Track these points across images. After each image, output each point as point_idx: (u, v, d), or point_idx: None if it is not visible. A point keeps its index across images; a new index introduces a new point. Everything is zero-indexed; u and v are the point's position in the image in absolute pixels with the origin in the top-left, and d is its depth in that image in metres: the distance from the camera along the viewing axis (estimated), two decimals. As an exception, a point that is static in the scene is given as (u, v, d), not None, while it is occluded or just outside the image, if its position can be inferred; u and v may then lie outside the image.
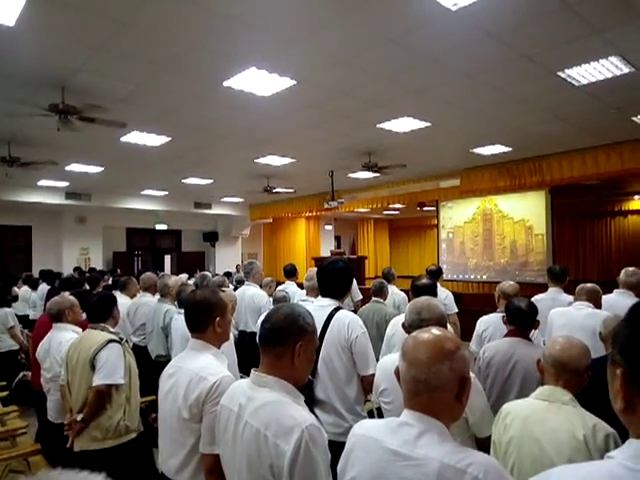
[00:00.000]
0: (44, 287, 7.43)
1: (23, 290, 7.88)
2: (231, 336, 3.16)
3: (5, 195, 10.14)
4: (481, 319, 3.68)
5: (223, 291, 3.03)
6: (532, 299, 3.07)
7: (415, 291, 2.99)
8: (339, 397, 2.44)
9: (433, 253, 13.10)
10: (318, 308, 2.53)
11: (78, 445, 2.68)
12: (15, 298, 7.10)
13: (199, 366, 1.90)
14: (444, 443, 1.15)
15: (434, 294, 3.23)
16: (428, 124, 6.14)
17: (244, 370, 2.82)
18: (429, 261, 9.30)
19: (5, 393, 4.64)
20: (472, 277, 11.02)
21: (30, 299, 7.67)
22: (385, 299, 4.69)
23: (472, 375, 2.03)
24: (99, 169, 8.74)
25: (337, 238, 18.49)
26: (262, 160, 8.17)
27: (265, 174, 9.46)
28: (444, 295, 4.70)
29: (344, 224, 18.29)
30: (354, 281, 2.84)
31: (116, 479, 2.37)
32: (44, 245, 12.57)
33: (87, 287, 6.17)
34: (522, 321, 2.72)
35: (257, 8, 3.28)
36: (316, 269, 3.11)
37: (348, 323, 2.46)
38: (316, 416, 2.37)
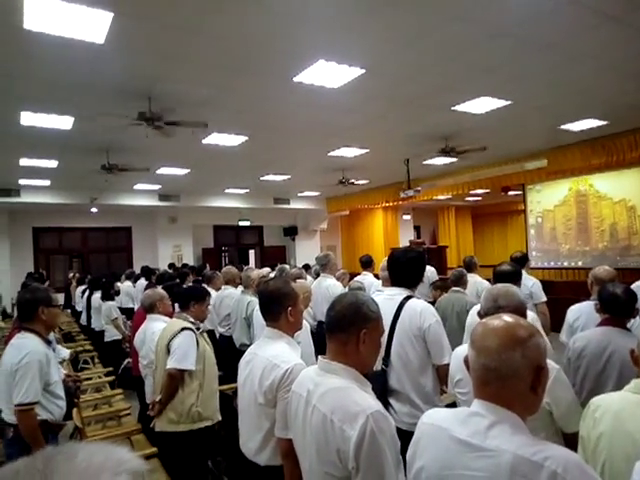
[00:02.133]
0: (142, 282, 8.10)
1: (125, 285, 8.66)
2: (307, 326, 3.24)
3: (107, 199, 11.18)
4: (572, 307, 3.42)
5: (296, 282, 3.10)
6: (632, 285, 2.79)
7: (496, 278, 2.85)
8: (414, 387, 2.39)
9: (521, 240, 12.34)
10: (388, 297, 2.51)
11: (158, 425, 2.88)
12: (118, 292, 7.81)
13: (273, 354, 1.97)
14: (517, 435, 1.09)
15: (517, 281, 3.06)
16: (508, 102, 5.78)
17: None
18: (516, 249, 8.78)
19: (112, 378, 5.13)
20: (565, 264, 10.23)
21: (131, 293, 8.40)
22: (465, 288, 4.52)
23: (557, 366, 1.90)
24: (186, 171, 9.33)
25: (416, 228, 18.06)
26: (335, 153, 8.21)
27: (339, 167, 9.49)
28: (530, 283, 4.42)
29: (423, 213, 17.81)
30: (432, 269, 2.78)
31: (190, 462, 2.53)
32: (142, 244, 13.73)
33: (178, 281, 6.61)
34: (618, 309, 2.48)
35: (319, 1, 3.29)
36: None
37: (420, 311, 2.41)
38: (390, 405, 2.39)
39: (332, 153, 8.22)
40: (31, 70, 4.24)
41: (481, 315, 2.09)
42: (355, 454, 1.31)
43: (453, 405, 2.64)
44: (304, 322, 2.43)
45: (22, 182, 9.71)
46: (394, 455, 1.36)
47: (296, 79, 4.66)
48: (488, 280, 5.11)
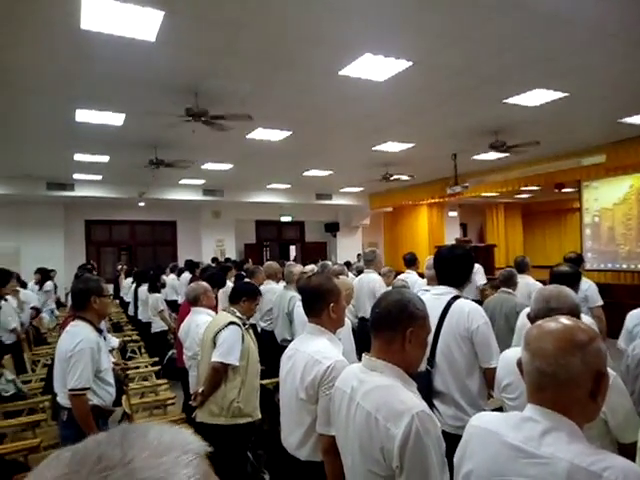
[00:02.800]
0: (187, 275, 8.31)
1: (170, 278, 8.92)
2: (348, 323, 3.20)
3: (154, 194, 11.55)
4: (631, 313, 3.22)
5: (338, 278, 3.07)
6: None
7: (554, 279, 2.70)
8: (459, 389, 2.31)
9: (575, 240, 11.79)
10: (435, 297, 2.44)
11: (199, 416, 2.93)
12: (164, 285, 8.05)
13: (315, 349, 1.96)
14: (574, 443, 1.04)
15: (576, 284, 2.90)
16: (564, 94, 5.50)
17: (363, 357, 2.83)
18: (569, 249, 8.34)
19: (157, 368, 5.29)
20: (624, 266, 9.67)
21: (176, 286, 8.65)
22: (515, 289, 4.35)
23: (614, 373, 1.78)
24: (229, 166, 9.49)
25: (463, 225, 17.62)
26: (380, 147, 8.10)
27: (383, 162, 9.37)
28: (586, 286, 4.19)
29: (470, 210, 17.34)
30: (479, 266, 2.67)
31: (227, 456, 2.54)
32: (187, 238, 14.12)
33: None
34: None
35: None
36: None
37: (468, 312, 2.32)
38: (435, 407, 2.32)
39: (376, 148, 8.12)
40: (86, 69, 4.41)
41: (531, 318, 1.98)
42: (399, 453, 1.29)
43: (499, 410, 2.54)
44: (345, 319, 2.40)
45: (76, 176, 10.20)
46: (439, 456, 1.33)
47: (341, 73, 4.62)
48: (541, 282, 4.90)
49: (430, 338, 2.19)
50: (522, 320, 3.03)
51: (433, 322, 2.25)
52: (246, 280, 4.88)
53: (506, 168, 10.13)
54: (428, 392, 2.31)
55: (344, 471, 1.60)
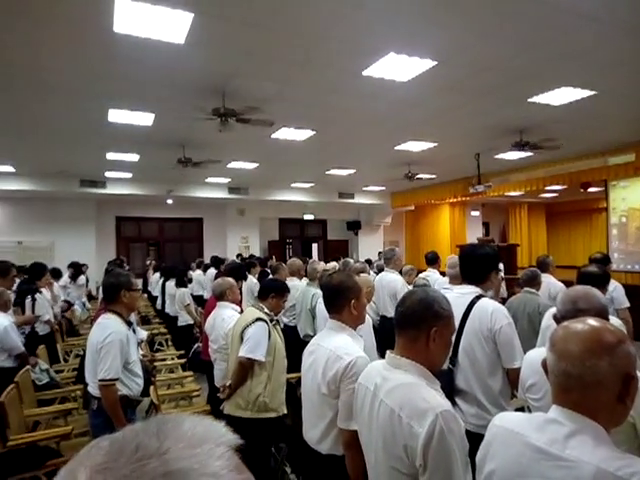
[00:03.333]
0: (212, 271, 8.47)
1: (196, 273, 9.11)
2: (369, 320, 3.24)
3: (181, 191, 11.78)
4: (659, 315, 3.16)
5: (359, 276, 3.11)
6: None
7: (581, 280, 2.68)
8: (482, 388, 2.32)
9: (601, 240, 11.50)
10: (458, 296, 2.44)
11: (226, 408, 3.01)
12: (190, 280, 8.23)
13: (336, 345, 2.00)
14: (600, 447, 1.03)
15: (604, 285, 2.88)
16: (592, 92, 5.39)
17: (385, 355, 2.86)
18: (595, 249, 8.16)
19: (183, 360, 5.43)
20: (653, 268, 9.41)
21: (201, 281, 8.82)
22: (539, 289, 4.31)
23: (640, 374, 1.77)
24: (254, 165, 9.61)
25: (485, 225, 17.39)
26: (402, 146, 8.08)
27: (406, 161, 9.34)
28: (612, 287, 4.12)
29: (493, 210, 17.10)
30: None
31: (251, 449, 2.62)
32: (212, 234, 14.35)
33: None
34: None
35: (393, -8, 3.25)
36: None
37: (491, 312, 2.33)
38: (457, 405, 2.34)
39: (399, 147, 8.10)
40: (118, 70, 4.55)
41: (557, 319, 1.98)
42: (423, 452, 1.30)
43: (521, 410, 2.54)
44: (366, 316, 2.43)
45: (108, 174, 10.50)
46: (463, 456, 1.34)
47: (365, 73, 4.64)
48: (566, 283, 4.84)
49: (453, 337, 2.22)
50: (547, 321, 3.01)
51: (456, 321, 2.27)
52: (274, 277, 4.97)
53: (530, 167, 9.96)
54: (450, 390, 2.33)
55: (366, 467, 1.63)
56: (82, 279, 8.98)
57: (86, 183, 10.81)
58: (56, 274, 7.61)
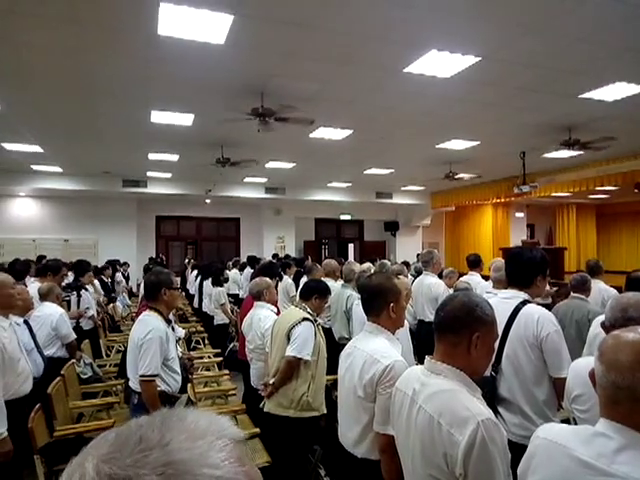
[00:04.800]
0: (249, 270, 8.56)
1: (233, 272, 9.23)
2: (406, 324, 3.17)
3: (220, 191, 11.99)
4: None
5: (398, 278, 3.04)
6: None
7: (630, 286, 2.53)
8: (526, 398, 2.22)
9: (655, 244, 10.88)
10: (503, 300, 2.35)
11: (267, 406, 3.01)
12: (226, 279, 8.34)
13: (373, 348, 1.96)
14: None
15: (656, 292, 2.69)
16: (649, 87, 5.09)
17: (422, 360, 2.80)
18: (649, 253, 7.77)
19: (220, 359, 5.49)
20: None
21: (237, 280, 8.93)
22: (588, 295, 4.10)
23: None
24: (291, 165, 9.66)
25: (530, 227, 16.80)
26: (443, 145, 7.91)
27: (447, 160, 9.14)
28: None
29: (539, 211, 16.49)
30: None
31: (294, 447, 2.61)
32: (249, 234, 14.57)
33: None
34: None
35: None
36: (504, 259, 2.87)
37: (538, 318, 2.22)
38: (499, 414, 2.24)
39: (440, 145, 7.95)
40: (161, 72, 4.66)
41: (606, 327, 1.87)
42: (463, 460, 1.27)
43: (567, 421, 2.41)
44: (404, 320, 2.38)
45: (149, 174, 10.86)
46: (505, 467, 1.30)
47: (406, 70, 4.56)
48: (616, 288, 4.59)
49: (495, 343, 2.13)
50: (595, 329, 2.85)
51: (500, 326, 2.18)
52: (310, 277, 4.96)
53: (580, 166, 9.54)
54: (492, 398, 2.24)
55: (403, 473, 1.59)
56: (118, 276, 9.28)
57: (128, 183, 11.19)
58: (98, 271, 7.87)
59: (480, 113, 6.13)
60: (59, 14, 3.51)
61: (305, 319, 2.98)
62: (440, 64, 4.41)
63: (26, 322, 3.52)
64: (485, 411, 1.33)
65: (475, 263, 5.80)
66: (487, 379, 2.27)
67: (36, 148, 7.95)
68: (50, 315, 4.01)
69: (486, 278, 5.34)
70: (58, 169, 10.05)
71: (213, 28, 3.71)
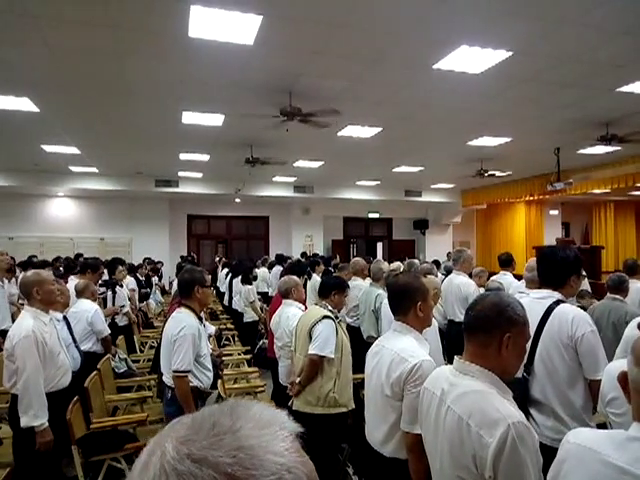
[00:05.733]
0: (277, 268, 8.63)
1: (262, 271, 9.32)
2: (436, 323, 3.14)
3: (249, 191, 12.13)
4: None
5: (426, 277, 3.02)
6: None
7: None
8: (559, 400, 2.16)
9: (700, 243, 10.38)
10: (535, 300, 2.30)
11: (296, 405, 3.03)
12: (255, 277, 8.44)
13: (401, 347, 1.96)
14: None
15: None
16: (693, 79, 4.87)
17: (452, 360, 2.76)
18: (693, 252, 7.39)
19: (249, 356, 5.57)
20: None
21: (266, 278, 9.02)
22: (625, 296, 3.95)
23: None
24: (320, 164, 9.68)
25: (565, 225, 16.32)
26: (474, 142, 7.78)
27: (478, 157, 8.97)
28: None
29: (574, 209, 15.99)
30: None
31: (322, 444, 2.61)
32: (277, 232, 14.69)
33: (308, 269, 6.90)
34: None
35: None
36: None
37: (572, 318, 2.16)
38: (531, 417, 2.20)
39: (471, 143, 7.81)
40: (192, 73, 4.75)
41: (643, 328, 1.80)
42: (493, 463, 1.25)
43: (603, 426, 2.34)
44: (432, 319, 2.35)
45: (180, 174, 11.09)
46: (536, 470, 1.27)
47: (435, 66, 4.50)
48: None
49: (528, 344, 2.08)
50: (631, 330, 2.74)
51: (532, 327, 2.13)
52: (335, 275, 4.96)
53: (618, 162, 9.20)
54: (524, 400, 2.20)
55: (431, 473, 1.58)
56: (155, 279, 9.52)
57: (161, 183, 11.46)
58: (133, 269, 8.09)
59: (512, 109, 5.99)
60: (94, 19, 3.62)
61: (325, 317, 2.99)
62: (470, 60, 4.34)
63: (65, 318, 3.66)
64: (516, 413, 1.30)
65: (507, 262, 5.68)
66: (519, 381, 2.22)
67: (73, 150, 8.24)
68: (86, 311, 4.15)
69: (518, 277, 5.22)
70: (94, 170, 10.38)
71: (242, 29, 3.75)
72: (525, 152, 8.52)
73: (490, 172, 9.61)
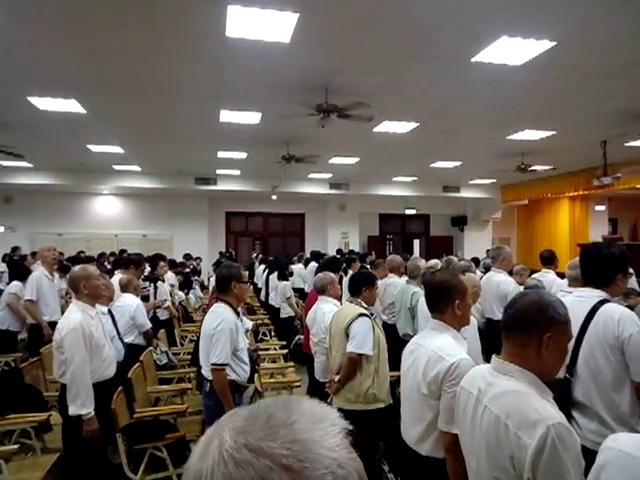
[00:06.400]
0: (313, 265, 8.67)
1: (297, 267, 9.39)
2: (475, 322, 3.08)
3: (285, 187, 12.24)
4: None
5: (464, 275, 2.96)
6: None
7: None
8: (604, 403, 2.08)
9: None
10: (578, 299, 2.22)
11: (335, 402, 3.04)
12: (291, 274, 8.51)
13: (438, 346, 1.93)
14: None
15: None
16: None
17: (490, 360, 2.70)
18: None
19: (285, 351, 5.62)
20: None
21: (302, 275, 9.08)
22: (678, 295, 3.75)
23: None
24: (355, 160, 9.65)
25: (612, 221, 15.59)
26: (515, 136, 7.56)
27: (519, 151, 8.71)
28: None
29: (622, 204, 15.25)
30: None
31: (362, 441, 2.61)
32: (313, 229, 14.77)
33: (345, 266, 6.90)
34: None
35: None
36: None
37: (618, 318, 2.07)
38: (574, 419, 2.13)
39: (511, 137, 7.59)
40: (229, 73, 4.83)
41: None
42: (532, 465, 1.22)
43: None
44: (471, 318, 2.30)
45: (218, 172, 11.31)
46: (577, 474, 1.23)
47: (474, 59, 4.40)
48: None
49: (571, 344, 2.01)
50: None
51: (575, 327, 2.06)
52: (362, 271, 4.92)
53: (671, 155, 8.72)
54: (566, 402, 2.13)
55: (467, 472, 1.57)
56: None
57: (200, 181, 11.75)
58: (173, 265, 8.33)
59: (556, 101, 5.77)
60: (137, 22, 3.75)
61: (361, 314, 2.99)
62: (511, 51, 4.21)
63: (109, 311, 3.82)
64: (557, 415, 1.27)
65: (549, 260, 5.48)
66: (561, 381, 2.15)
67: (117, 149, 8.55)
68: (129, 305, 4.31)
69: (561, 276, 5.03)
70: (137, 168, 10.74)
71: (279, 27, 3.78)
72: (569, 145, 8.20)
73: (532, 167, 9.31)
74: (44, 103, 5.78)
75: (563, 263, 5.21)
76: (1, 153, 7.49)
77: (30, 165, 10.13)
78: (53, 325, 4.02)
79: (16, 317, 5.41)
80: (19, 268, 6.29)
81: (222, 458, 0.44)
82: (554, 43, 4.06)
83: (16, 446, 2.93)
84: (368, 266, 7.14)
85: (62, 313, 4.00)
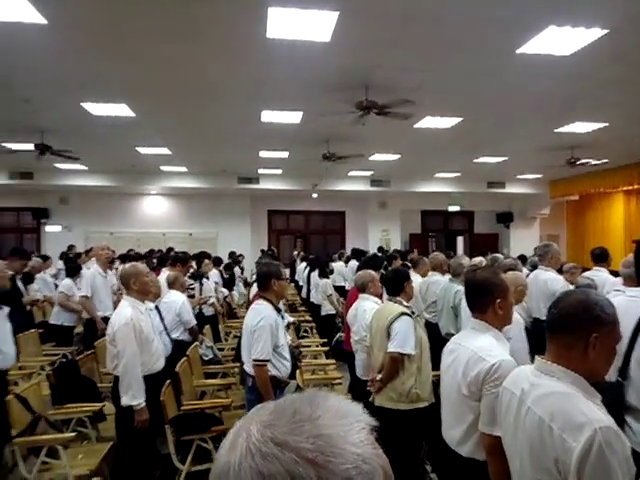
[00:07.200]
0: (354, 263, 8.67)
1: (338, 265, 9.41)
2: (520, 321, 3.00)
3: (326, 185, 12.29)
4: None
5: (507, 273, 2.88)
6: None
7: None
8: (659, 408, 1.98)
9: None
10: (631, 299, 2.13)
11: (377, 401, 3.04)
12: (332, 271, 8.54)
13: (478, 346, 1.90)
14: None
15: None
16: None
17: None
18: None
19: (326, 348, 5.65)
20: None
21: (343, 272, 9.10)
22: None
23: None
24: (396, 157, 9.56)
25: (672, 216, 14.67)
26: (564, 129, 7.25)
27: (568, 144, 8.34)
28: None
29: (683, 198, 14.33)
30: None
31: (404, 440, 2.59)
32: (354, 227, 14.73)
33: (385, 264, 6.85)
34: None
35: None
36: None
37: (675, 320, 1.96)
38: (627, 424, 2.03)
39: (559, 129, 7.29)
40: (270, 73, 4.91)
41: None
42: (578, 469, 1.18)
43: None
44: (517, 317, 2.25)
45: (260, 171, 11.50)
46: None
47: (519, 51, 4.27)
48: None
49: (624, 345, 1.93)
50: None
51: (628, 327, 1.97)
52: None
53: None
54: (618, 406, 2.04)
55: (511, 474, 1.53)
56: (237, 271, 9.97)
57: (243, 180, 11.99)
58: (217, 262, 8.55)
59: (608, 92, 5.50)
60: (182, 29, 3.88)
61: (403, 314, 2.97)
62: (559, 41, 4.06)
63: (157, 307, 3.97)
64: (604, 418, 1.23)
65: (601, 257, 5.22)
66: (613, 385, 2.07)
67: (164, 150, 8.87)
68: (175, 302, 4.46)
69: (615, 274, 4.80)
70: (183, 169, 11.09)
71: (319, 26, 3.81)
72: (623, 137, 7.79)
73: (582, 160, 8.90)
74: (97, 108, 6.08)
75: (617, 261, 4.96)
76: (59, 157, 7.93)
77: (85, 167, 10.67)
78: (106, 320, 4.22)
79: (69, 313, 5.73)
80: (72, 265, 6.65)
81: (249, 451, 0.46)
82: (606, 31, 3.87)
83: (73, 434, 3.11)
84: (409, 264, 7.06)
85: (114, 308, 4.20)
